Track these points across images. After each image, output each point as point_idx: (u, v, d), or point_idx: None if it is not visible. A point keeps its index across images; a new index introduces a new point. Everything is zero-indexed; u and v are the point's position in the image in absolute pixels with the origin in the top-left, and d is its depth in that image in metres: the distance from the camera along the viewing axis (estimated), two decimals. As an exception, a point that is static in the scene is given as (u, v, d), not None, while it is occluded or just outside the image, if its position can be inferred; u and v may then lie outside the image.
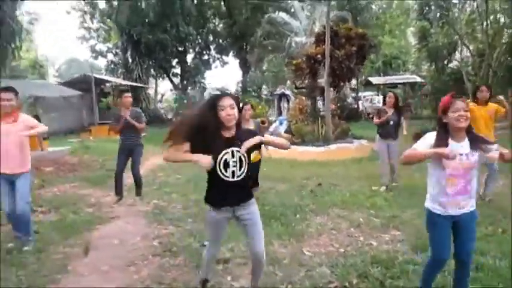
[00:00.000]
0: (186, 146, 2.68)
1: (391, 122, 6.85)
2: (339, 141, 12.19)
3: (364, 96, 31.21)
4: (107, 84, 23.94)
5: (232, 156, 2.69)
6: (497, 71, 20.98)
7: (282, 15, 24.44)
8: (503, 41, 21.52)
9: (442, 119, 2.65)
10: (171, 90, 33.67)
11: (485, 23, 20.91)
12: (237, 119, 2.69)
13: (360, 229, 4.80)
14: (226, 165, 2.68)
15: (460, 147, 2.60)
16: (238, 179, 2.73)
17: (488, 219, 4.80)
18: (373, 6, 31.26)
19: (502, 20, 21.95)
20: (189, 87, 31.77)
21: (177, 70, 32.64)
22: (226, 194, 2.76)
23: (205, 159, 2.60)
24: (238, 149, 2.68)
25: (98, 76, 22.81)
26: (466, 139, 2.64)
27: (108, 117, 19.33)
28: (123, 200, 6.56)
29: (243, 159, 2.72)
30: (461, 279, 2.88)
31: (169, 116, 29.35)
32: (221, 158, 2.67)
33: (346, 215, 5.31)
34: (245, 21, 29.53)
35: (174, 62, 31.90)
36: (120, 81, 24.89)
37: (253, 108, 6.80)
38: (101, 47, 33.24)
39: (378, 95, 32.51)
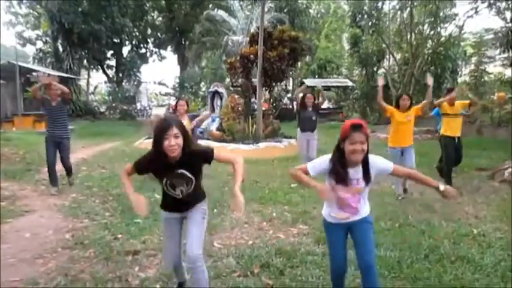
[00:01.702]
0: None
1: (313, 118, 8.15)
2: (268, 140, 12.54)
3: (300, 97, 32.02)
4: (34, 74, 22.71)
5: (177, 177, 2.74)
6: (419, 79, 22.49)
7: (221, 13, 24.59)
8: (426, 51, 23.09)
9: (340, 145, 2.66)
10: (105, 82, 32.49)
11: (409, 35, 22.35)
12: (182, 146, 2.63)
13: (271, 223, 5.06)
14: (173, 186, 2.76)
15: (354, 172, 2.67)
16: (189, 192, 2.80)
17: (388, 215, 5.26)
18: (311, 11, 32.18)
19: (427, 31, 23.45)
20: (124, 81, 30.86)
21: (112, 62, 31.63)
22: (177, 205, 2.88)
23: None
24: (182, 171, 2.72)
25: (22, 65, 21.64)
26: (361, 165, 2.67)
27: (34, 108, 18.50)
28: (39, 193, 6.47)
29: (188, 179, 2.76)
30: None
31: (102, 109, 28.37)
32: (166, 181, 2.76)
33: (261, 210, 5.56)
34: (184, 16, 29.26)
35: (109, 53, 30.84)
36: (48, 71, 23.68)
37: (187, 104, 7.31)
38: (30, 33, 31.55)
39: (312, 97, 33.46)
